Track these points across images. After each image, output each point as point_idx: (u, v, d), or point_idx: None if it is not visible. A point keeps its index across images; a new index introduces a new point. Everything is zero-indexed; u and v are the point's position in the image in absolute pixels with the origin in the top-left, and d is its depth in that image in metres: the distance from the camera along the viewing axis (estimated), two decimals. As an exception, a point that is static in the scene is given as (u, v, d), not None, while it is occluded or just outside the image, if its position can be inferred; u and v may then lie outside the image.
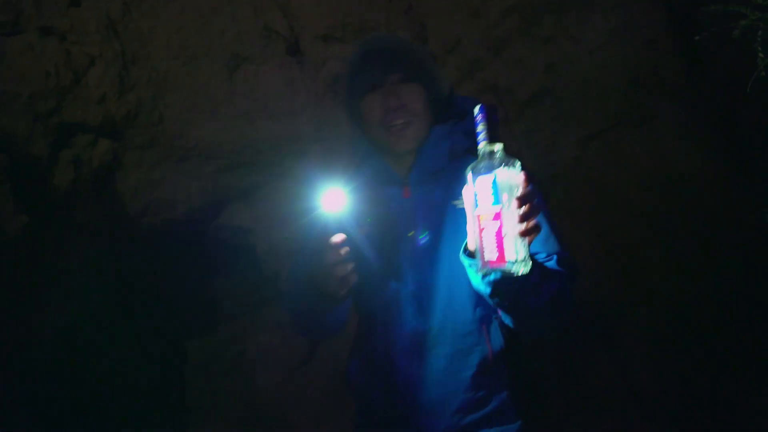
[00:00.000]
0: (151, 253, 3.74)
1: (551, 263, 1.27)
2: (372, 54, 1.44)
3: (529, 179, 1.03)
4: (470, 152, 1.40)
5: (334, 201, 1.22)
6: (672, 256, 2.89)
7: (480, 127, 1.06)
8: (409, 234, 1.38)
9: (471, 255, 1.18)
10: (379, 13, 2.95)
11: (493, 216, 1.02)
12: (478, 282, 1.20)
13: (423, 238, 1.37)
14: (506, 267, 1.02)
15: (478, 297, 1.33)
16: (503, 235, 1.01)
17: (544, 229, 1.33)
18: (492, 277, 1.10)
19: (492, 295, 1.18)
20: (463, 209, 1.25)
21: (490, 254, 1.03)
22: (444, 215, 1.37)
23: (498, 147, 1.05)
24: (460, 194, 1.30)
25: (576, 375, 2.90)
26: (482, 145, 1.06)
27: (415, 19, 3.01)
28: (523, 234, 1.01)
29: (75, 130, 2.87)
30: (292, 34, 3.08)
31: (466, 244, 1.20)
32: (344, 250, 1.20)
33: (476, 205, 1.06)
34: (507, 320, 1.32)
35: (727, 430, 2.63)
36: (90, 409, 3.13)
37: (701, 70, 2.96)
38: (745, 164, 2.93)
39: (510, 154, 1.06)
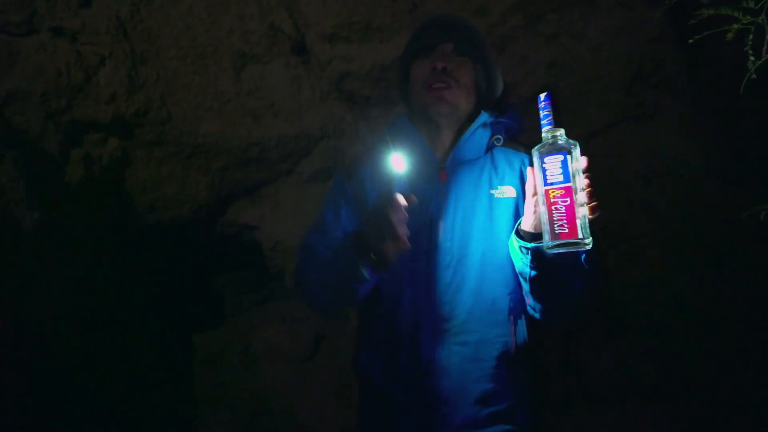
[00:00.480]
0: (158, 248, 3.81)
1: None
2: (432, 24, 1.51)
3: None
4: (506, 145, 1.50)
5: (397, 162, 1.24)
6: (672, 249, 2.93)
7: (545, 112, 1.14)
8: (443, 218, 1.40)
9: (522, 237, 1.26)
10: (384, 12, 2.99)
11: (564, 192, 1.09)
12: (526, 264, 1.26)
13: (457, 224, 1.39)
14: (577, 240, 1.09)
15: (509, 288, 1.37)
16: (575, 209, 1.09)
17: None
18: (560, 251, 1.13)
19: (538, 275, 1.25)
20: (499, 199, 1.38)
21: (561, 228, 1.10)
22: (479, 203, 1.40)
23: (562, 131, 1.14)
24: (497, 184, 1.41)
25: (576, 366, 2.95)
26: (547, 129, 1.14)
27: (421, 17, 3.05)
28: (592, 211, 1.09)
29: (86, 128, 2.93)
30: (297, 34, 3.14)
31: (520, 225, 1.27)
32: (405, 215, 1.22)
33: (545, 182, 1.12)
34: (536, 307, 1.36)
35: (726, 421, 2.66)
36: (97, 402, 3.19)
37: (702, 66, 3.00)
38: (744, 159, 2.96)
39: (572, 138, 1.15)
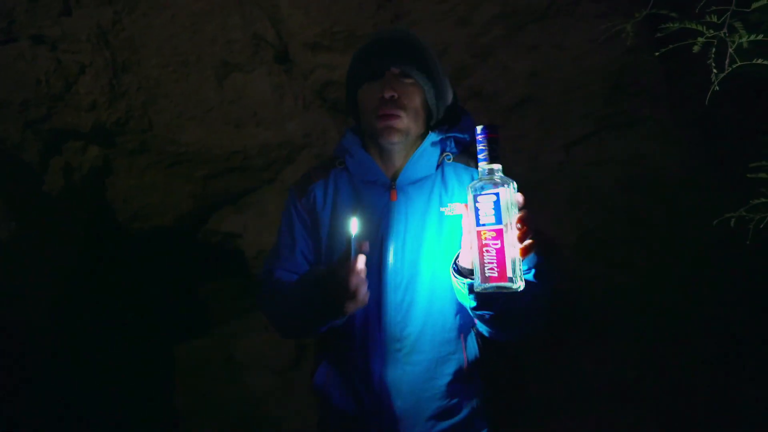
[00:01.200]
0: (140, 257, 3.79)
1: (530, 276, 1.31)
2: (378, 44, 1.43)
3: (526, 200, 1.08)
4: (457, 159, 1.46)
5: (354, 225, 1.22)
6: (653, 255, 2.96)
7: (481, 146, 1.08)
8: (392, 238, 1.39)
9: (460, 271, 1.23)
10: (367, 22, 3.01)
11: (495, 235, 1.05)
12: (464, 296, 1.24)
13: (408, 243, 1.38)
14: (506, 284, 1.05)
15: (458, 306, 1.37)
16: (505, 253, 1.05)
17: None
18: (489, 292, 1.10)
19: (479, 308, 1.23)
20: (449, 217, 1.34)
21: (491, 271, 1.06)
22: (429, 221, 1.39)
23: (498, 167, 1.09)
24: (446, 202, 1.40)
25: (560, 373, 2.96)
26: (483, 165, 1.09)
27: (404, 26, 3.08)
28: (524, 253, 1.05)
29: (66, 136, 2.92)
30: (280, 43, 3.15)
31: (457, 258, 1.24)
32: (364, 273, 1.21)
33: (477, 223, 1.08)
34: (484, 330, 1.37)
35: (709, 427, 2.69)
36: (79, 412, 3.15)
37: (679, 76, 3.06)
38: (720, 165, 3.01)
39: (508, 175, 1.10)
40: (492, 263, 1.06)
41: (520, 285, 1.06)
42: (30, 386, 2.79)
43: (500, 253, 1.05)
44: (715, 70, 1.46)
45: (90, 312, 3.53)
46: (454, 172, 1.45)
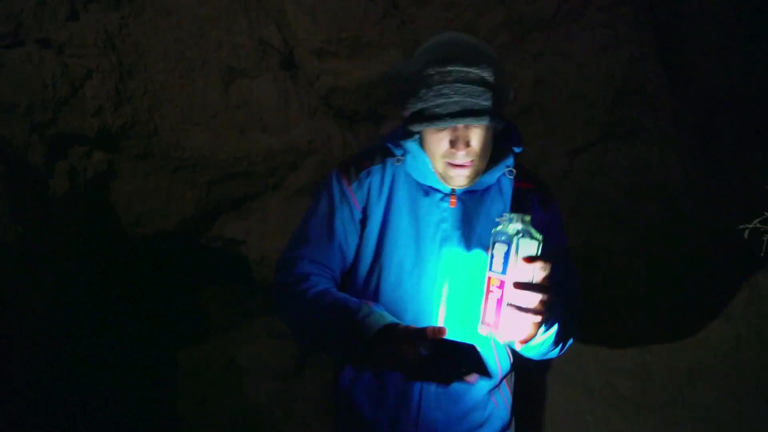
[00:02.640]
0: (143, 262, 3.77)
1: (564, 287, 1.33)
2: (444, 83, 1.25)
3: (539, 259, 1.05)
4: (511, 174, 1.42)
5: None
6: (655, 263, 2.97)
7: (515, 194, 1.13)
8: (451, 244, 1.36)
9: None
10: (373, 29, 3.02)
11: (500, 284, 1.07)
12: None
13: (465, 250, 1.36)
14: (497, 334, 1.07)
15: None
16: (502, 305, 1.06)
17: (564, 264, 1.40)
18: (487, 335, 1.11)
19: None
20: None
21: (489, 318, 1.09)
22: (486, 229, 1.33)
23: (526, 218, 1.09)
24: (502, 211, 1.36)
25: (561, 381, 2.95)
26: (511, 213, 1.10)
27: (409, 34, 3.09)
28: (521, 311, 1.05)
29: (71, 140, 2.90)
30: (286, 48, 3.15)
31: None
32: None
33: (489, 268, 1.10)
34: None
35: None
36: (80, 417, 3.13)
37: (682, 85, 3.07)
38: (723, 173, 3.02)
39: (536, 228, 1.09)
40: (492, 310, 1.08)
41: (511, 340, 1.07)
42: (31, 390, 2.76)
43: (499, 303, 1.06)
44: None
45: (92, 316, 3.51)
46: (511, 183, 1.41)
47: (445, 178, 1.35)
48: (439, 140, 1.30)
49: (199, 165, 3.19)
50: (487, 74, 1.25)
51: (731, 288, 2.88)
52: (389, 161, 1.43)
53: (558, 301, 1.21)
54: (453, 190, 1.38)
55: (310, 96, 3.19)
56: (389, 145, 1.43)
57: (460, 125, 1.26)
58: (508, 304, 1.05)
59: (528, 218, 1.09)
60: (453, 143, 1.28)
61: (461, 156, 1.28)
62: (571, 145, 3.10)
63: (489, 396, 1.41)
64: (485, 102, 1.25)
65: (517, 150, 1.41)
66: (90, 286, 3.31)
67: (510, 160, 1.40)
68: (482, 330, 1.10)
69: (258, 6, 3.06)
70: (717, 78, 2.99)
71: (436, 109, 1.26)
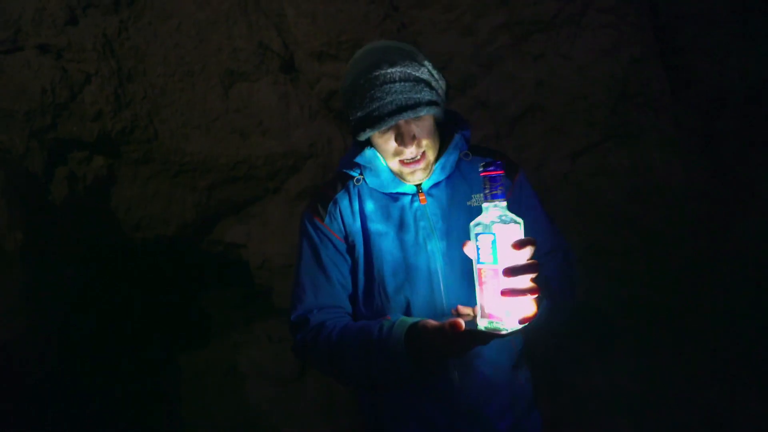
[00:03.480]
0: (144, 266, 3.75)
1: (559, 260, 1.41)
2: (378, 92, 1.32)
3: (526, 241, 1.06)
4: (467, 156, 1.48)
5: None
6: (658, 266, 2.95)
7: (485, 184, 1.09)
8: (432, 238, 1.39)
9: None
10: (373, 31, 3.00)
11: (493, 273, 1.06)
12: None
13: (452, 241, 1.39)
14: (502, 323, 1.06)
15: None
16: (500, 292, 1.05)
17: (548, 223, 1.48)
18: (488, 329, 1.09)
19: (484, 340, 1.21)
20: (477, 207, 1.34)
21: (490, 308, 1.07)
22: (461, 215, 1.40)
23: (501, 204, 1.09)
24: (471, 194, 1.42)
25: (564, 382, 2.93)
26: (486, 203, 1.10)
27: (408, 36, 3.07)
28: (518, 294, 1.05)
29: (70, 146, 2.88)
30: (286, 52, 3.13)
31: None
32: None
33: (478, 260, 1.09)
34: None
35: None
36: (82, 422, 3.11)
37: (685, 87, 3.05)
38: (725, 175, 3.01)
39: (513, 212, 1.10)
40: (491, 301, 1.07)
41: (512, 329, 1.06)
42: (33, 396, 2.74)
43: (497, 292, 1.05)
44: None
45: (93, 321, 3.49)
46: (471, 166, 1.46)
47: (403, 176, 1.41)
48: (386, 142, 1.36)
49: (200, 169, 3.16)
50: (411, 69, 1.33)
51: (733, 289, 2.88)
52: (350, 184, 1.48)
53: (550, 273, 1.34)
54: (419, 188, 1.43)
55: (311, 99, 3.16)
56: (345, 170, 1.49)
57: (401, 121, 1.32)
58: (509, 290, 1.05)
59: (504, 203, 1.09)
60: (399, 140, 1.33)
61: (411, 151, 1.34)
62: (573, 147, 3.08)
63: (512, 375, 1.44)
64: (417, 95, 1.31)
65: (464, 132, 1.46)
66: (91, 291, 3.29)
67: (462, 144, 1.46)
68: (482, 322, 1.10)
69: (257, 9, 3.04)
70: (719, 80, 2.97)
71: (374, 113, 1.32)
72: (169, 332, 3.96)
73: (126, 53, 2.85)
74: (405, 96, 1.31)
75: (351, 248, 1.45)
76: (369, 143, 1.44)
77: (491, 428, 1.40)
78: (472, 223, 1.11)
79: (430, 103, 1.34)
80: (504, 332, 1.05)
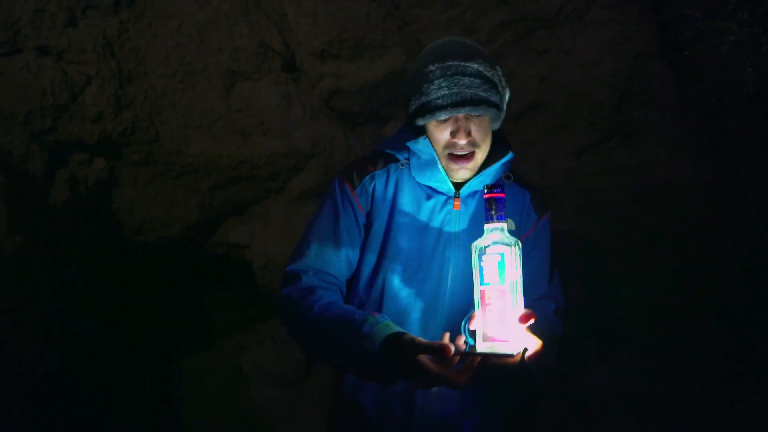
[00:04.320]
0: (146, 268, 3.72)
1: (550, 309, 1.39)
2: (443, 77, 1.32)
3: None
4: (509, 178, 1.47)
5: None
6: (663, 261, 2.92)
7: (489, 205, 1.09)
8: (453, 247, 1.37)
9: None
10: (374, 30, 2.97)
11: (499, 294, 1.03)
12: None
13: (468, 252, 1.34)
14: (507, 347, 1.03)
15: None
16: (506, 313, 1.03)
17: (547, 272, 1.45)
18: (488, 353, 1.05)
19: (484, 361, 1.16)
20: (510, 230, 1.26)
21: (493, 331, 1.04)
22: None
23: (503, 226, 1.09)
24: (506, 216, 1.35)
25: (568, 384, 2.90)
26: (490, 224, 1.09)
27: (410, 35, 3.04)
28: (524, 319, 1.03)
29: (71, 148, 2.84)
30: (287, 51, 3.10)
31: (470, 318, 1.15)
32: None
33: (482, 281, 1.06)
34: None
35: None
36: (83, 425, 3.08)
37: (689, 84, 3.01)
38: (732, 174, 2.96)
39: (514, 234, 1.10)
40: (495, 323, 1.04)
41: (518, 353, 1.03)
42: (33, 396, 2.71)
43: (503, 313, 1.03)
44: (750, 69, 1.41)
45: (95, 324, 3.46)
46: (510, 190, 1.43)
47: (448, 171, 1.39)
48: (441, 131, 1.36)
49: (202, 170, 3.13)
50: (484, 68, 1.34)
51: (738, 289, 2.84)
52: (392, 166, 1.45)
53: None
54: (457, 193, 1.40)
55: (312, 98, 3.13)
56: (391, 151, 1.47)
57: (461, 115, 1.33)
58: (528, 314, 1.02)
59: (506, 225, 1.10)
60: (454, 133, 1.34)
61: (462, 145, 1.34)
62: (576, 144, 3.04)
63: (490, 396, 1.42)
64: (483, 93, 1.32)
65: (511, 155, 1.45)
66: (93, 293, 3.26)
67: (507, 165, 1.45)
68: (481, 346, 1.06)
69: (258, 9, 3.00)
70: (725, 77, 2.92)
71: (438, 101, 1.33)
72: (171, 333, 3.94)
73: (126, 54, 2.82)
74: (473, 91, 1.32)
75: (370, 227, 1.42)
76: (422, 132, 1.43)
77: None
78: (474, 244, 1.10)
79: (493, 105, 1.35)
80: (512, 355, 1.01)
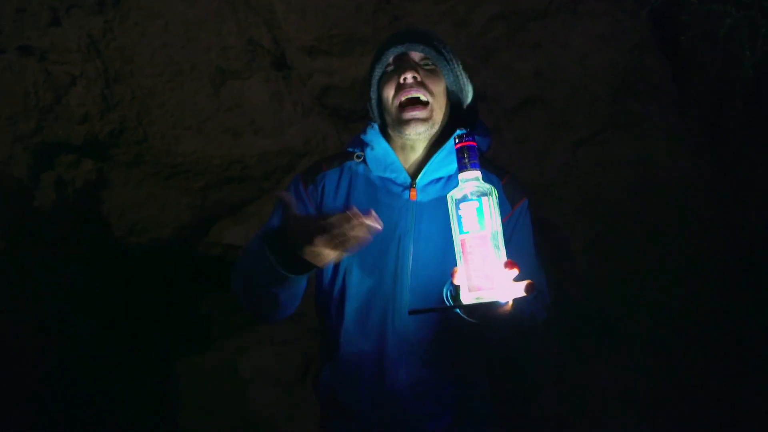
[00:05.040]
0: (141, 271, 3.66)
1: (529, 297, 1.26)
2: (399, 34, 1.39)
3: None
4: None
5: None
6: (663, 259, 2.85)
7: (462, 154, 1.05)
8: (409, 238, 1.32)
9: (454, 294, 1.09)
10: (365, 25, 2.89)
11: (480, 241, 0.99)
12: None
13: (429, 244, 1.30)
14: (492, 294, 0.97)
15: None
16: (490, 259, 0.98)
17: (530, 259, 1.34)
18: (476, 304, 1.01)
19: (469, 316, 1.12)
20: None
21: (478, 280, 0.98)
22: (448, 225, 1.28)
23: (478, 174, 1.05)
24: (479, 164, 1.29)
25: (570, 380, 2.83)
26: (464, 174, 1.05)
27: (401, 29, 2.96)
28: (509, 265, 0.98)
29: (57, 150, 2.77)
30: (277, 48, 3.02)
31: (451, 279, 1.09)
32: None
33: (461, 230, 1.02)
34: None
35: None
36: (82, 423, 3.03)
37: (687, 73, 2.93)
38: (732, 166, 2.89)
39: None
40: (478, 270, 0.98)
41: (507, 298, 0.98)
42: (33, 397, 2.66)
43: (486, 259, 0.98)
44: (748, 52, 1.32)
45: (95, 324, 3.41)
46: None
47: (402, 126, 1.33)
48: (390, 83, 1.33)
49: (193, 171, 3.05)
50: (436, 41, 1.36)
51: (741, 285, 2.77)
52: (348, 164, 1.42)
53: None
54: (413, 183, 1.34)
55: (304, 96, 3.05)
56: (351, 148, 1.46)
57: (408, 56, 1.34)
58: (499, 256, 0.99)
59: (479, 174, 1.06)
60: (400, 71, 1.31)
61: (410, 82, 1.30)
62: (573, 138, 2.95)
63: (463, 386, 1.35)
64: (431, 41, 1.35)
65: (480, 139, 1.38)
66: (93, 294, 3.20)
67: (467, 134, 1.35)
68: (467, 297, 1.00)
69: (246, 6, 2.92)
70: (724, 68, 2.84)
71: (382, 53, 1.37)
72: (170, 334, 3.89)
73: (112, 54, 2.74)
74: (417, 39, 1.34)
75: None
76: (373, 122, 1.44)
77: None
78: (450, 194, 1.05)
79: (439, 53, 1.34)
80: (501, 304, 0.97)
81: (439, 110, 1.35)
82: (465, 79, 1.42)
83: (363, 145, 1.42)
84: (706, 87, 2.88)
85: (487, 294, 0.97)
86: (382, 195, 1.36)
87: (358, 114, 3.14)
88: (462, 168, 1.05)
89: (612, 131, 2.93)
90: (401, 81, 1.31)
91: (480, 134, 1.41)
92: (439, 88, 1.34)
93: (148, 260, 3.58)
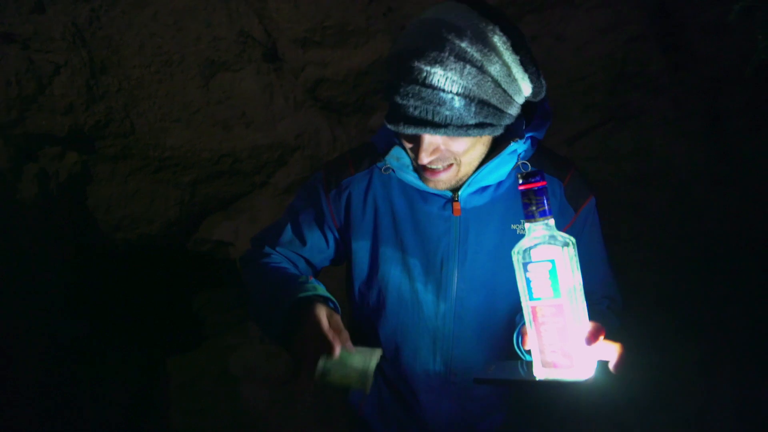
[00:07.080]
0: (128, 268, 3.53)
1: (602, 307, 1.14)
2: (405, 88, 0.96)
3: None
4: (533, 163, 1.13)
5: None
6: (663, 251, 2.78)
7: (528, 199, 0.81)
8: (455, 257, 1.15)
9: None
10: (358, 16, 2.77)
11: (556, 311, 0.80)
12: None
13: (475, 268, 1.13)
14: (571, 373, 0.80)
15: (508, 335, 1.10)
16: (568, 332, 0.80)
17: (602, 265, 1.19)
18: (551, 382, 0.83)
19: (545, 392, 1.08)
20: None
21: (553, 355, 0.81)
22: (498, 241, 1.12)
23: (550, 222, 0.82)
24: (520, 217, 1.07)
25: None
26: (531, 223, 0.83)
27: (395, 21, 2.85)
28: (592, 338, 0.80)
29: (40, 141, 2.63)
30: (269, 39, 2.90)
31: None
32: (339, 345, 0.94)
33: (531, 297, 0.82)
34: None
35: (720, 426, 2.52)
36: (72, 428, 2.90)
37: (684, 66, 2.86)
38: (730, 159, 2.83)
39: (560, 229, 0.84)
40: (553, 345, 0.80)
41: (589, 379, 0.80)
42: (20, 404, 2.53)
43: (562, 333, 0.80)
44: (760, 36, 1.22)
45: (77, 327, 3.27)
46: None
47: (426, 182, 1.10)
48: (406, 142, 1.05)
49: (182, 164, 2.93)
50: (457, 76, 0.91)
51: (743, 275, 2.70)
52: (378, 166, 1.18)
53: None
54: (455, 195, 1.11)
55: (296, 88, 2.93)
56: (376, 143, 1.21)
57: (423, 141, 0.99)
58: (574, 327, 0.79)
59: (552, 221, 0.82)
60: (416, 151, 1.02)
61: (426, 164, 1.03)
62: (571, 131, 2.87)
63: (498, 417, 1.29)
64: (448, 111, 0.93)
65: (533, 135, 1.11)
66: (72, 295, 3.06)
67: (520, 148, 1.09)
68: (540, 373, 0.83)
69: (237, -5, 2.80)
70: (721, 59, 2.77)
71: (395, 111, 0.98)
72: (161, 333, 3.77)
73: (98, 43, 2.61)
74: (433, 108, 0.93)
75: (346, 235, 1.24)
76: None
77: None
78: (515, 250, 0.83)
79: (462, 126, 0.95)
80: (581, 382, 0.78)
81: (468, 164, 1.07)
82: (518, 72, 0.98)
83: (393, 157, 1.14)
84: (704, 77, 2.81)
85: (565, 373, 0.80)
86: (419, 209, 1.15)
87: (352, 107, 3.03)
88: (529, 217, 0.82)
89: (610, 123, 2.85)
90: (421, 150, 1.01)
91: (537, 126, 1.13)
92: (465, 145, 1.02)
93: (136, 257, 3.46)
